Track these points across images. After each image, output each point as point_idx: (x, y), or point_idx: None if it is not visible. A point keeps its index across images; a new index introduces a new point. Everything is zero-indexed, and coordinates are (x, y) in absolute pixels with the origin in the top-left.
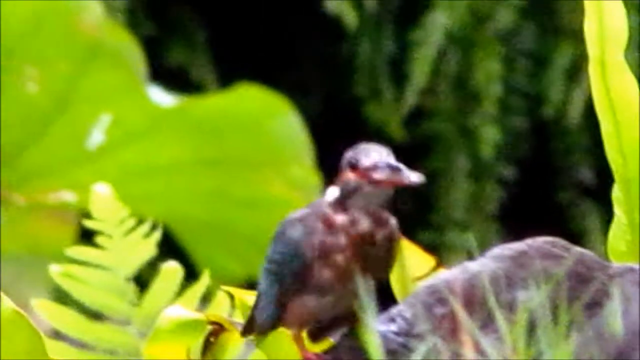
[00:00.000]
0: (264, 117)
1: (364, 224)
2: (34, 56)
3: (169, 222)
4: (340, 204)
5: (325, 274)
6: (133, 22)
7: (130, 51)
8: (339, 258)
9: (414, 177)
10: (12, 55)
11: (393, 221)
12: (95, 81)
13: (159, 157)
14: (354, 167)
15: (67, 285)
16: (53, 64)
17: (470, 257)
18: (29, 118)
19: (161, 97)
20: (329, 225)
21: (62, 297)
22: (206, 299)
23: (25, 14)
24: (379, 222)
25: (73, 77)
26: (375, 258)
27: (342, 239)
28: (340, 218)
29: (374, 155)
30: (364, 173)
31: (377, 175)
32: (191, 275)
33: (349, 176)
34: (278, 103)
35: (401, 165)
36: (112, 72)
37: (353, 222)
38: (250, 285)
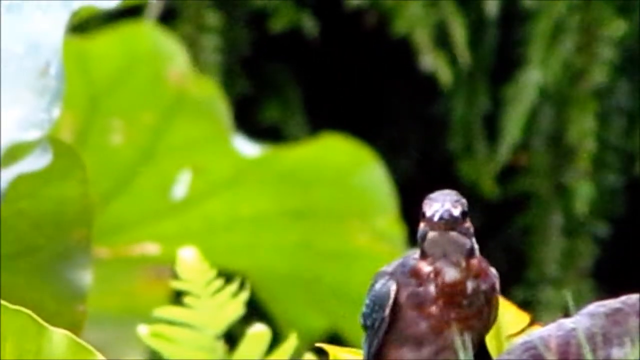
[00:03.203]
0: (349, 168)
1: (450, 273)
2: (119, 108)
3: (252, 274)
4: (423, 253)
5: (419, 325)
6: (228, 79)
7: (215, 102)
8: (433, 308)
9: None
10: (98, 107)
11: (493, 273)
12: (180, 132)
13: (243, 208)
14: (423, 216)
15: (156, 345)
16: (138, 115)
17: (565, 314)
18: (113, 170)
19: (246, 147)
20: (417, 276)
21: (156, 356)
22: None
23: (112, 66)
24: (470, 271)
25: (158, 129)
26: (471, 309)
27: (432, 289)
28: (425, 268)
29: (435, 206)
30: (427, 222)
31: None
32: (269, 325)
33: (420, 225)
34: (363, 154)
35: (455, 216)
36: (197, 123)
37: (437, 272)
38: (333, 338)
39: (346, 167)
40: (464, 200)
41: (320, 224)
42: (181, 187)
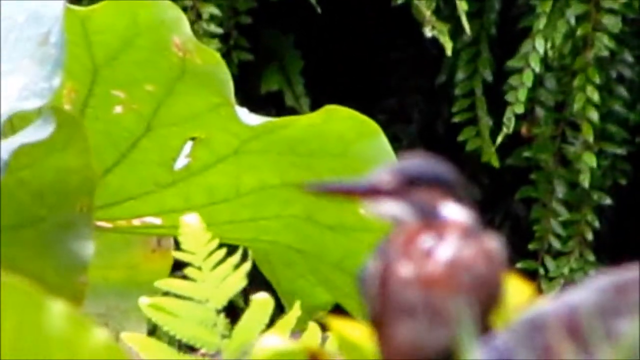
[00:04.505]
0: (353, 139)
1: (427, 242)
2: (121, 79)
3: (254, 247)
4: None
5: (407, 292)
6: (228, 48)
7: (219, 72)
8: (405, 273)
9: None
10: (100, 78)
11: (491, 242)
12: (183, 103)
13: (246, 180)
14: None
15: (157, 317)
16: (141, 86)
17: (570, 286)
18: (113, 141)
19: (249, 118)
20: (390, 246)
21: (156, 328)
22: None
23: (115, 36)
24: (422, 232)
25: (161, 99)
26: (453, 276)
27: (400, 255)
28: (402, 235)
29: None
30: None
31: None
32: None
33: None
34: (367, 125)
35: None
36: (200, 93)
37: (393, 239)
38: (335, 311)
39: (350, 138)
40: (409, 166)
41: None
42: (183, 157)
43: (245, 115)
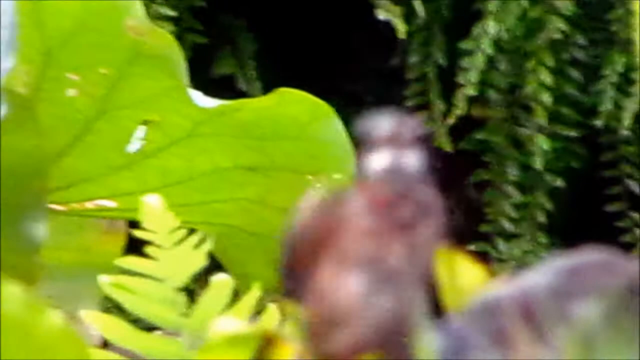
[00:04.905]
0: (307, 122)
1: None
2: (75, 61)
3: (207, 230)
4: None
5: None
6: (181, 30)
7: (172, 54)
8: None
9: None
10: (53, 61)
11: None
12: (136, 85)
13: (200, 163)
14: None
15: (117, 295)
16: (94, 68)
17: (523, 269)
18: (67, 124)
19: (203, 101)
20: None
21: (108, 308)
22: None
23: (68, 19)
24: None
25: (114, 82)
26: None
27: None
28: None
29: None
30: None
31: None
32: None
33: None
34: (320, 107)
35: None
36: (154, 75)
37: None
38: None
39: (304, 121)
40: None
41: (276, 178)
42: (137, 140)
43: (199, 98)
